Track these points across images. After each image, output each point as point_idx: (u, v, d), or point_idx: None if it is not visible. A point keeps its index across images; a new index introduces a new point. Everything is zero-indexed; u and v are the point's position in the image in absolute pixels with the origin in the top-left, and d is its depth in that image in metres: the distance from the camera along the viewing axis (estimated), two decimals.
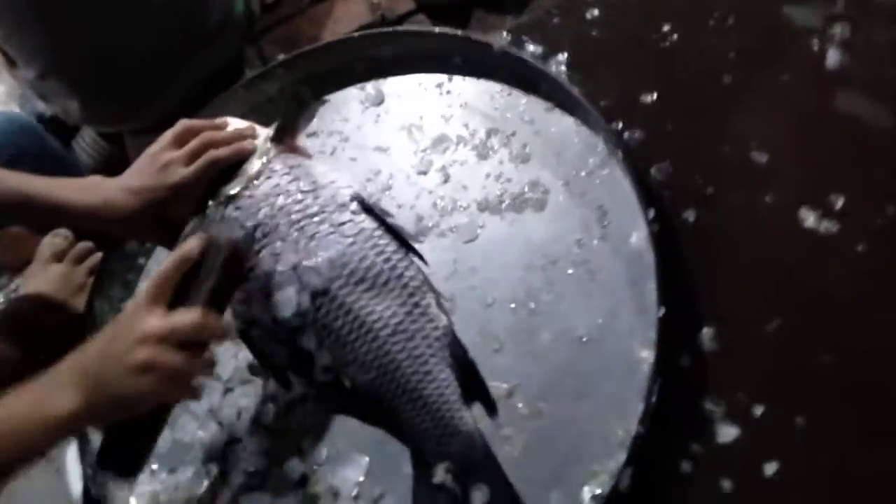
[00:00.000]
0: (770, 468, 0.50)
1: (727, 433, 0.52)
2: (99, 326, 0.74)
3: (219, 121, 0.69)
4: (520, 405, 0.57)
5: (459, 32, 0.69)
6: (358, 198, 0.62)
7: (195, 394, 0.55)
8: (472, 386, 0.58)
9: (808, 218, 0.55)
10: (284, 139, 0.67)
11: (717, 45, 0.63)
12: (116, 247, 0.77)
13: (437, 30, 0.71)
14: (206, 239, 0.56)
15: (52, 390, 0.52)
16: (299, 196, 0.61)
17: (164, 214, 0.64)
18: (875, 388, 0.49)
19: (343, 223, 0.60)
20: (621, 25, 0.68)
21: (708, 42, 0.64)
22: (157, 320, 0.52)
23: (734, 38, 0.63)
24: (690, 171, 0.60)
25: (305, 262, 0.58)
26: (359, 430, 0.61)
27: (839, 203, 0.54)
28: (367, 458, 0.59)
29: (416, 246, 0.62)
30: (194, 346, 0.53)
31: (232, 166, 0.65)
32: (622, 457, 0.52)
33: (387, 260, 0.59)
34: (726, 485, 0.50)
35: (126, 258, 0.78)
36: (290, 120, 0.68)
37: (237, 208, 0.62)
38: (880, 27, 0.58)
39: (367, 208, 0.61)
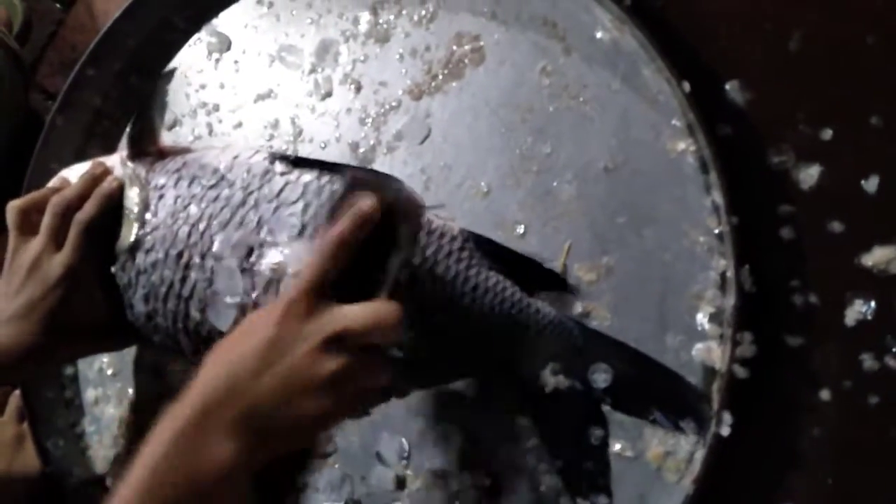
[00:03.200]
0: (871, 185, 0.44)
1: (809, 175, 0.45)
2: (63, 468, 0.60)
3: (54, 182, 0.53)
4: (582, 273, 0.48)
5: None
6: (277, 156, 0.48)
7: (368, 408, 0.43)
8: (526, 275, 0.48)
9: None
10: (146, 148, 0.52)
11: None
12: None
13: None
14: (380, 197, 0.40)
15: (201, 443, 0.36)
16: (211, 193, 0.47)
17: (70, 318, 0.49)
18: None
19: (280, 191, 0.47)
20: None
21: None
22: (346, 315, 0.38)
23: None
24: None
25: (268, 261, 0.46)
26: (426, 398, 0.51)
27: None
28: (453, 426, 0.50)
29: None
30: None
31: (109, 218, 0.50)
32: (720, 262, 0.45)
33: None
34: (835, 226, 0.44)
35: (50, 379, 0.62)
36: (139, 122, 0.53)
37: (149, 251, 0.48)
38: None
39: (296, 161, 0.48)
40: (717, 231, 0.45)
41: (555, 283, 0.48)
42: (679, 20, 0.48)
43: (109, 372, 0.61)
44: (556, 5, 0.50)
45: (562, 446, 0.46)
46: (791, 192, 0.45)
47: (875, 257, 0.43)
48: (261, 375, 0.37)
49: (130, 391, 0.61)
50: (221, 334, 0.44)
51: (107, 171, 0.52)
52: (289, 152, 0.52)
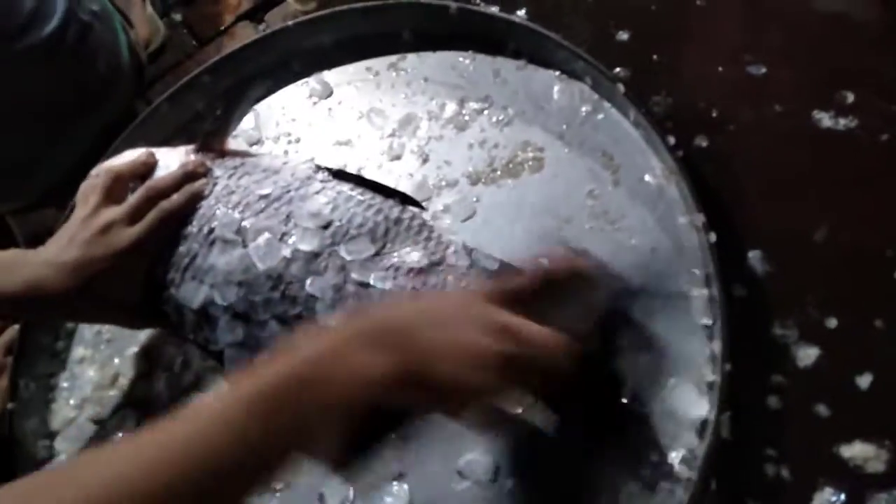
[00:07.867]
0: (864, 381, 0.45)
1: (807, 355, 0.47)
2: (27, 411, 0.61)
3: (145, 156, 0.58)
4: None
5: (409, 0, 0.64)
6: (322, 167, 0.55)
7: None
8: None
9: (823, 119, 0.52)
10: (214, 145, 0.58)
11: None
12: None
13: (382, 2, 0.65)
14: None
15: (351, 355, 0.37)
16: (253, 186, 0.53)
17: (105, 289, 0.52)
18: None
19: (315, 193, 0.53)
20: None
21: None
22: (529, 325, 0.39)
23: None
24: (689, 97, 0.56)
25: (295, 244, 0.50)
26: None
27: (850, 98, 0.52)
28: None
29: None
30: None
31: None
32: (704, 409, 0.46)
33: (378, 211, 0.52)
34: (821, 410, 0.45)
35: (49, 326, 0.65)
36: (218, 122, 0.60)
37: (184, 225, 0.53)
38: None
39: (337, 173, 0.54)
40: (709, 380, 0.46)
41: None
42: (722, 185, 0.52)
43: (106, 336, 0.63)
44: (618, 143, 0.56)
45: None
46: (787, 366, 0.47)
47: (854, 450, 0.43)
48: (436, 327, 0.38)
49: (117, 361, 0.62)
50: (228, 314, 0.47)
51: (201, 173, 0.55)
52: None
